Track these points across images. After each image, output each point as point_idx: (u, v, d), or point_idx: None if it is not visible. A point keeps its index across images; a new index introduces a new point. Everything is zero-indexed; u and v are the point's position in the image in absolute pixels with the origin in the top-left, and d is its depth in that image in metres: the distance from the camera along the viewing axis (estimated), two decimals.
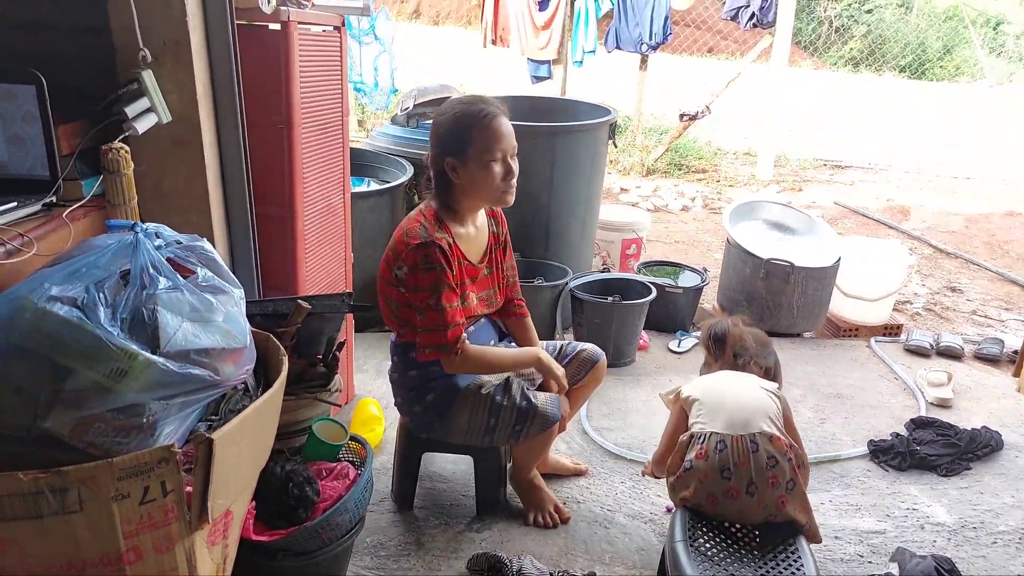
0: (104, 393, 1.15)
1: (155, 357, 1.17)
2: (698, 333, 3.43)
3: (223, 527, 1.33)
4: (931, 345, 3.35)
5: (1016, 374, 1.94)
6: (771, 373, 1.90)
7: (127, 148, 1.47)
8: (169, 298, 1.21)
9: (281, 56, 1.96)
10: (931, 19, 15.65)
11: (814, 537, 1.66)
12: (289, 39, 1.95)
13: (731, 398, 1.73)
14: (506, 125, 1.79)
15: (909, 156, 8.39)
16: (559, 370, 1.95)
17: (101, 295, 1.14)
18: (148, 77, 1.56)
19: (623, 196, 6.29)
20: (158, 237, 1.29)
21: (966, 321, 3.94)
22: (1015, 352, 3.26)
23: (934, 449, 2.48)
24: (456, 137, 1.77)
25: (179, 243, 1.32)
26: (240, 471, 1.34)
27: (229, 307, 1.30)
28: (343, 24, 2.26)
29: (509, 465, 2.09)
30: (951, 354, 3.32)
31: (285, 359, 1.49)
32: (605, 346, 3.01)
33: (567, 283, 3.19)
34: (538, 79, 7.14)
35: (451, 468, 2.27)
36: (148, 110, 1.57)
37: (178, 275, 1.25)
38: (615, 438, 2.52)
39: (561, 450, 2.42)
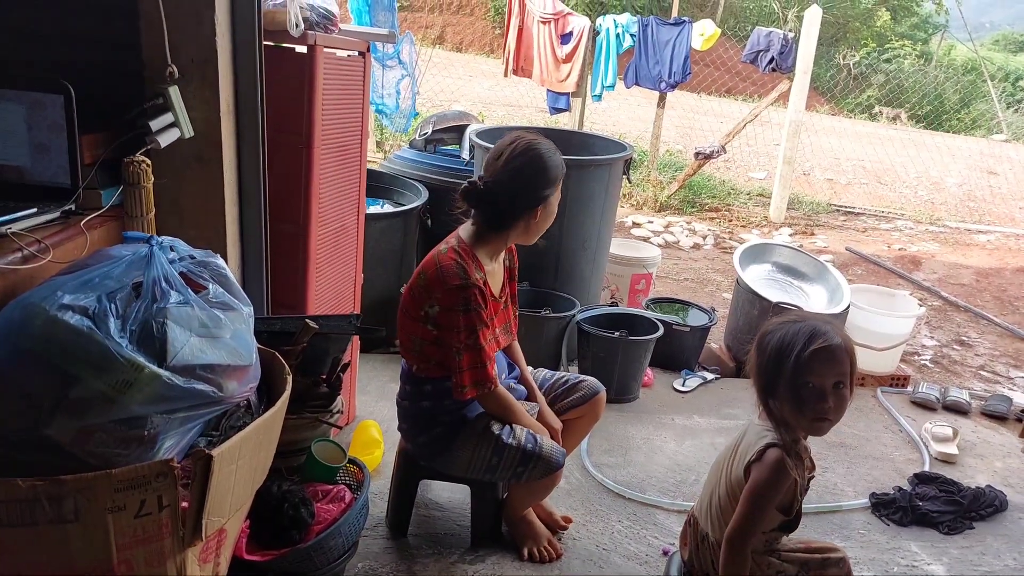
0: (108, 404, 1.16)
1: (161, 371, 1.17)
2: (703, 373, 3.41)
3: (216, 545, 1.32)
4: (937, 399, 3.32)
5: (1023, 435, 1.91)
6: None
7: (148, 161, 1.50)
8: (179, 312, 1.22)
9: (306, 79, 1.99)
10: (949, 71, 15.77)
11: None
12: (315, 62, 1.99)
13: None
14: None
15: (923, 206, 8.39)
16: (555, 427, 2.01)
17: (112, 306, 1.15)
18: (174, 93, 1.60)
19: (635, 230, 6.31)
20: (172, 251, 1.31)
21: (974, 376, 3.90)
22: (1023, 411, 3.22)
23: (936, 506, 2.45)
24: (548, 184, 1.83)
25: (193, 258, 1.33)
26: (237, 489, 1.33)
27: (237, 324, 1.31)
28: (368, 50, 2.30)
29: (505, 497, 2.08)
30: (958, 409, 3.29)
31: (289, 378, 1.50)
32: (609, 381, 3.01)
33: (574, 315, 3.19)
34: (557, 110, 7.23)
35: (448, 496, 2.25)
36: (172, 125, 1.60)
37: (190, 290, 1.26)
38: (615, 475, 2.50)
39: (560, 486, 2.38)
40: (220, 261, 1.36)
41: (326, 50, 2.05)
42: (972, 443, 3.01)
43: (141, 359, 1.15)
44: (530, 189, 1.81)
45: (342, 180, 2.25)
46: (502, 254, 1.97)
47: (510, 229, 1.86)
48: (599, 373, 2.99)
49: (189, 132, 1.68)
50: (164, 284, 1.23)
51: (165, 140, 1.58)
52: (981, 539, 2.37)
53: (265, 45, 1.86)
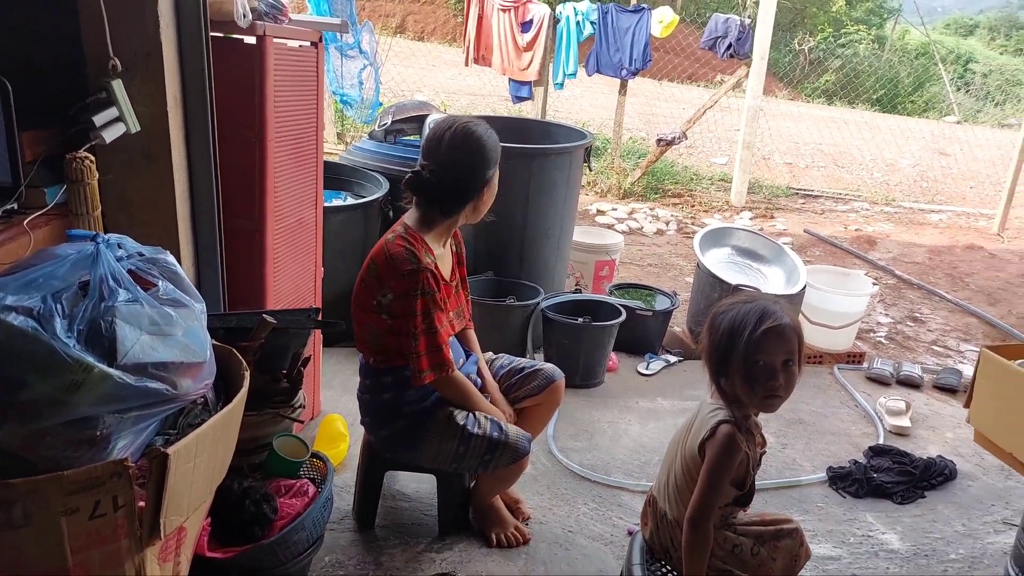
0: (58, 406, 1.14)
1: (111, 370, 1.16)
2: (667, 356, 3.47)
3: (176, 544, 1.31)
4: (891, 374, 3.42)
5: (966, 405, 2.00)
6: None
7: (92, 157, 1.47)
8: (128, 310, 1.20)
9: (256, 70, 1.96)
10: (903, 55, 16.12)
11: None
12: (264, 54, 1.96)
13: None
14: None
15: (878, 188, 8.60)
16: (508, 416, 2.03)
17: (58, 306, 1.13)
18: (118, 87, 1.56)
19: (599, 218, 6.35)
20: (120, 248, 1.28)
21: (926, 351, 4.03)
22: None
23: (890, 477, 2.53)
24: (490, 166, 1.85)
25: (141, 255, 1.31)
26: (195, 487, 1.32)
27: (189, 321, 1.29)
28: (320, 40, 2.27)
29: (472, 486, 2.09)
30: (910, 383, 3.40)
31: (247, 374, 1.48)
32: (574, 366, 3.06)
33: (539, 303, 3.22)
34: (519, 99, 7.22)
35: (414, 487, 2.26)
36: (116, 120, 1.57)
37: (139, 288, 1.25)
38: (580, 459, 2.53)
39: (527, 471, 2.41)
40: (170, 258, 1.34)
41: (276, 41, 2.02)
42: (924, 415, 3.12)
43: (90, 359, 1.13)
44: (474, 173, 1.83)
45: (298, 173, 2.23)
46: (448, 239, 1.98)
47: (457, 213, 1.87)
48: (564, 359, 3.03)
49: (135, 127, 1.65)
50: (112, 282, 1.21)
51: (110, 135, 1.55)
52: (932, 507, 2.46)
53: (212, 37, 1.83)
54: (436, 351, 1.78)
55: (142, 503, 1.19)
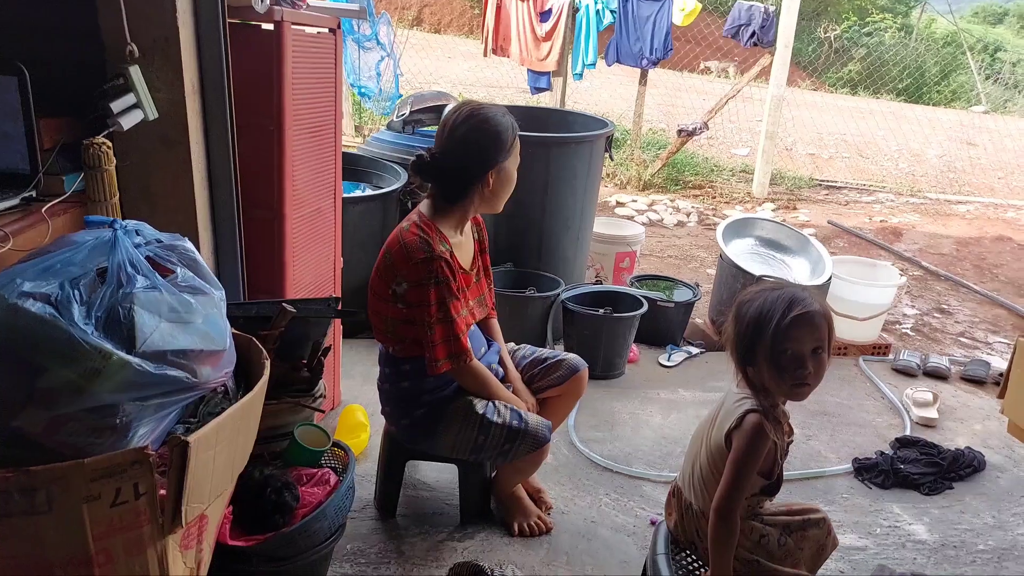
0: (77, 392, 1.13)
1: (130, 357, 1.15)
2: (688, 348, 3.42)
3: (197, 531, 1.31)
4: (918, 365, 3.35)
5: (1000, 396, 1.94)
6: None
7: (109, 144, 1.46)
8: (147, 297, 1.19)
9: (274, 57, 1.95)
10: (930, 44, 15.80)
11: None
12: (282, 40, 1.95)
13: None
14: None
15: (903, 179, 8.44)
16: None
17: (76, 292, 1.12)
18: (135, 73, 1.56)
19: (619, 209, 6.30)
20: (138, 235, 1.27)
21: (953, 343, 3.95)
22: (1000, 374, 3.26)
23: (917, 468, 2.48)
24: (499, 149, 1.80)
25: (160, 242, 1.30)
26: (217, 475, 1.32)
27: (209, 309, 1.28)
28: (339, 26, 2.26)
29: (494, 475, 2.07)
30: (938, 375, 3.32)
31: (267, 363, 1.48)
32: (595, 358, 3.03)
33: (559, 294, 3.19)
34: (538, 90, 7.17)
35: (435, 476, 2.25)
36: (134, 106, 1.56)
37: (157, 274, 1.24)
38: (601, 450, 2.50)
39: (548, 461, 2.37)
40: (188, 244, 1.33)
41: (294, 27, 2.00)
42: (952, 407, 3.05)
43: (109, 346, 1.12)
44: (478, 156, 1.79)
45: (316, 162, 2.22)
46: (468, 226, 1.95)
47: (466, 199, 1.83)
48: (584, 351, 3.00)
49: (153, 114, 1.64)
50: (130, 268, 1.20)
51: (128, 122, 1.55)
52: (960, 498, 2.40)
53: (230, 23, 1.82)
54: (452, 340, 1.76)
55: (163, 491, 1.19)
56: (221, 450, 1.30)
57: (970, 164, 9.16)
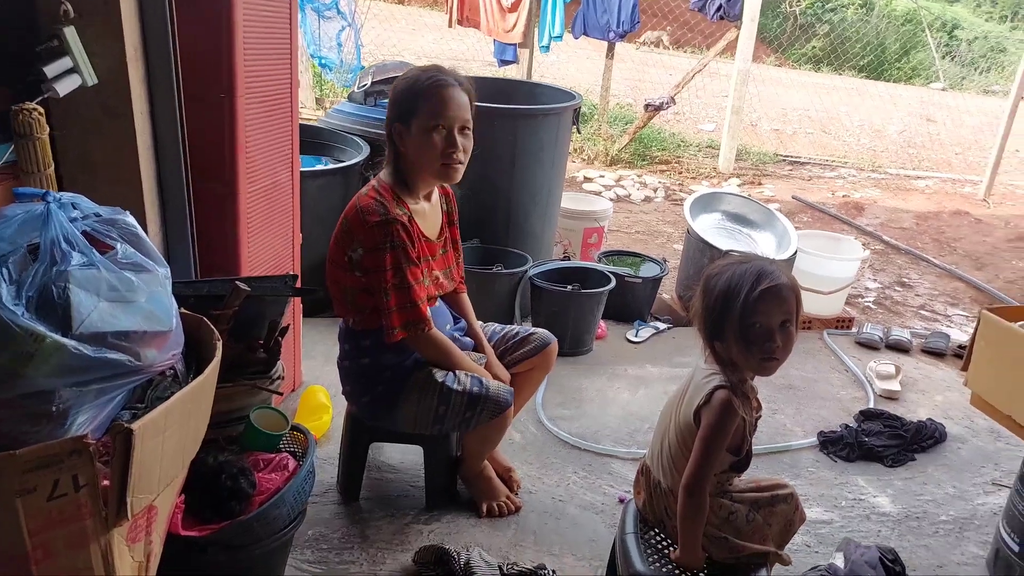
0: (8, 378, 1.05)
1: (66, 340, 1.07)
2: (656, 323, 3.41)
3: (146, 523, 1.24)
4: (881, 338, 3.40)
5: (964, 368, 1.95)
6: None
7: (41, 110, 1.36)
8: (83, 276, 1.11)
9: (223, 22, 1.84)
10: (890, 21, 15.97)
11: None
12: (232, 4, 1.84)
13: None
14: (457, 96, 1.74)
15: (865, 154, 8.54)
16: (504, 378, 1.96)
17: (4, 270, 1.04)
18: (71, 34, 1.45)
19: (586, 185, 6.26)
20: (74, 208, 1.19)
21: (914, 315, 4.01)
22: (960, 346, 3.32)
23: (881, 440, 2.51)
24: (405, 102, 1.73)
25: (98, 216, 1.22)
26: (165, 463, 1.25)
27: (153, 287, 1.20)
28: None
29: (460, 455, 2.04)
30: (900, 347, 3.38)
31: (219, 344, 1.40)
32: (563, 334, 2.99)
33: (526, 271, 3.14)
34: (504, 62, 7.04)
35: (400, 458, 2.20)
36: (71, 71, 1.45)
37: (95, 251, 1.15)
38: (569, 427, 2.48)
39: (515, 440, 2.37)
40: (130, 219, 1.25)
41: None
42: (914, 379, 3.10)
43: (41, 328, 1.04)
44: (391, 115, 1.76)
45: (272, 133, 2.12)
46: (435, 195, 1.89)
47: (398, 160, 1.79)
48: (552, 327, 2.94)
49: (92, 79, 1.53)
50: (64, 245, 1.11)
51: (64, 88, 1.44)
52: (923, 469, 2.44)
53: None
54: (409, 307, 1.71)
55: (107, 481, 1.12)
56: (170, 436, 1.23)
57: (929, 140, 9.30)
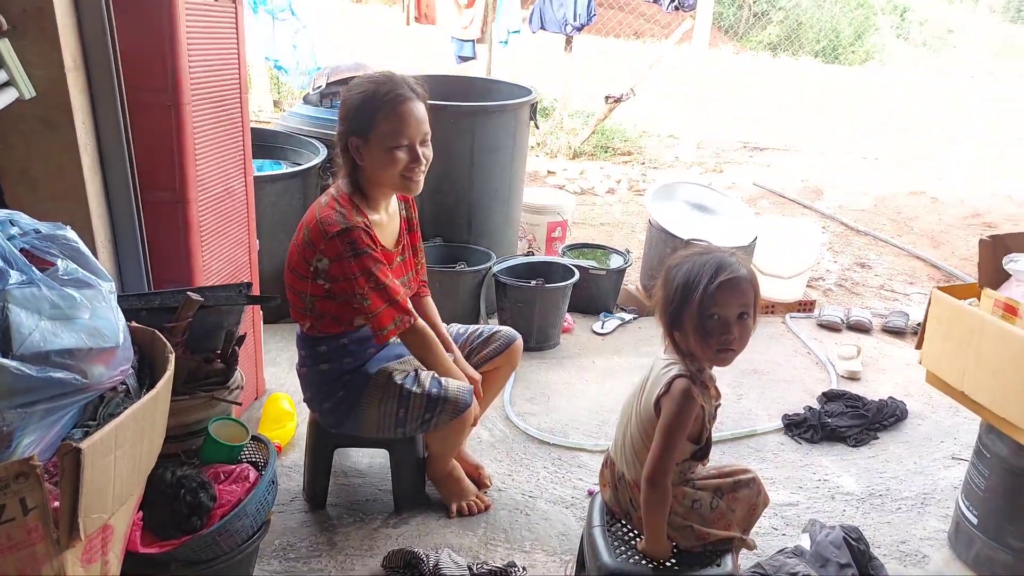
0: None
1: (7, 361, 1.04)
2: (621, 315, 3.44)
3: (101, 543, 1.22)
4: (842, 320, 3.47)
5: (918, 347, 2.00)
6: None
7: None
8: (23, 294, 1.08)
9: (165, 28, 1.80)
10: (843, 6, 16.23)
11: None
12: (174, 9, 1.80)
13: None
14: (417, 111, 1.72)
15: (823, 138, 8.69)
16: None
17: None
18: (5, 47, 1.40)
19: (550, 179, 6.27)
20: (12, 225, 1.15)
21: (874, 295, 4.10)
22: (919, 324, 3.40)
23: (844, 421, 2.56)
24: (362, 117, 1.70)
25: (38, 232, 1.18)
26: (120, 481, 1.22)
27: (97, 302, 1.17)
28: None
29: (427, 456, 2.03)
30: (860, 328, 3.45)
31: (171, 357, 1.38)
32: (529, 329, 3.00)
33: (490, 267, 3.14)
34: (463, 59, 7.02)
35: (367, 462, 2.18)
36: (6, 84, 1.41)
37: (34, 268, 1.12)
38: (538, 423, 2.49)
39: (483, 438, 2.37)
40: (71, 234, 1.22)
41: None
42: (875, 359, 3.17)
43: None
44: (345, 128, 1.72)
45: (222, 139, 2.08)
46: (393, 204, 1.88)
47: (355, 172, 1.76)
48: (518, 323, 2.97)
49: (29, 92, 1.49)
50: (1, 264, 1.08)
51: (0, 102, 1.40)
52: (885, 448, 2.50)
53: None
54: (393, 305, 1.71)
55: (58, 503, 1.09)
56: (123, 454, 1.21)
57: (884, 122, 9.50)
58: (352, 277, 1.68)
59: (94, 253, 1.48)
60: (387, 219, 1.86)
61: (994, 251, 1.91)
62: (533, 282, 3.04)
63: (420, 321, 1.80)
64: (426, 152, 1.76)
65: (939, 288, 1.95)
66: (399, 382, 1.79)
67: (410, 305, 1.78)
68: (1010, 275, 1.84)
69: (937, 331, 1.93)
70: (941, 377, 1.93)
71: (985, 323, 1.75)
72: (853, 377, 2.97)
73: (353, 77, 3.67)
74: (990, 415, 1.78)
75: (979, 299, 1.86)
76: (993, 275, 1.91)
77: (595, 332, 3.29)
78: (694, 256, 1.49)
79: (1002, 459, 1.81)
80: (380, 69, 1.84)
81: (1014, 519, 1.81)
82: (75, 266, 1.18)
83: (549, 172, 6.46)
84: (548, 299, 3.04)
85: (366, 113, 1.68)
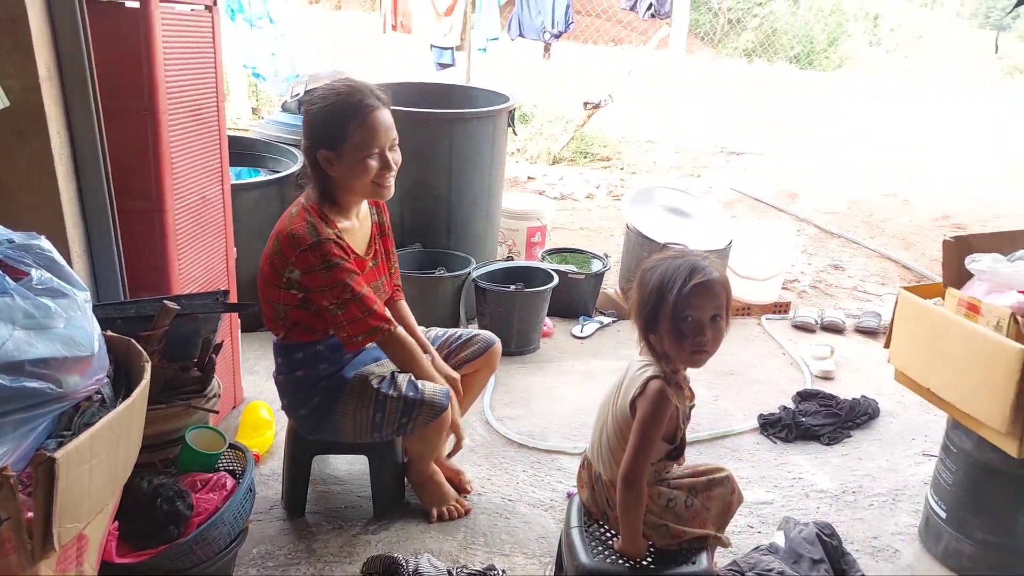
0: None
1: None
2: (600, 318, 3.47)
3: (76, 553, 1.21)
4: (816, 321, 3.53)
5: (886, 345, 2.05)
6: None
7: None
8: None
9: (141, 37, 1.81)
10: (818, 13, 16.49)
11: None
12: (149, 18, 1.81)
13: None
14: (385, 118, 1.73)
15: (799, 142, 8.82)
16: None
17: None
18: None
19: (530, 184, 6.30)
20: None
21: (848, 296, 4.17)
22: None
23: (818, 420, 2.61)
24: (330, 130, 1.70)
25: (11, 242, 1.18)
26: (95, 490, 1.22)
27: (71, 311, 1.18)
28: (215, 3, 2.12)
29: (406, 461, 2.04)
30: (834, 328, 3.51)
31: (147, 365, 1.38)
32: (509, 334, 3.02)
33: (469, 273, 3.16)
34: (442, 66, 7.03)
35: (347, 469, 2.19)
36: None
37: (7, 278, 1.12)
38: (517, 426, 2.51)
39: (463, 442, 2.38)
40: (45, 243, 1.22)
41: (163, 4, 1.86)
42: (848, 358, 3.22)
43: None
44: (313, 142, 1.72)
45: (199, 147, 2.09)
46: (365, 209, 1.90)
47: (325, 183, 1.76)
48: (498, 328, 2.98)
49: (3, 103, 1.49)
50: None
51: None
52: (858, 445, 2.55)
53: (90, 1, 1.68)
54: (368, 315, 1.72)
55: (32, 513, 1.09)
56: (98, 463, 1.21)
57: (858, 126, 9.66)
58: (324, 288, 1.69)
59: (69, 262, 1.48)
60: (358, 225, 1.87)
61: (958, 252, 1.97)
62: (512, 287, 3.06)
63: (399, 329, 1.81)
64: (395, 157, 1.78)
65: (905, 288, 2.00)
66: (375, 386, 1.80)
67: (388, 313, 1.79)
68: (973, 275, 1.89)
69: (904, 330, 1.98)
70: (909, 375, 1.97)
71: (949, 322, 1.81)
72: (827, 377, 3.02)
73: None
74: (955, 411, 1.83)
75: (944, 298, 1.92)
76: (957, 275, 1.96)
77: (574, 336, 3.32)
78: (668, 259, 1.52)
79: (967, 454, 1.86)
80: (339, 78, 1.83)
81: (979, 512, 1.86)
82: (49, 275, 1.18)
83: (529, 178, 6.50)
84: (527, 304, 3.06)
85: (336, 126, 1.69)
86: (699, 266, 1.47)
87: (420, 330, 2.06)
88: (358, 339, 1.73)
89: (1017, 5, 2.42)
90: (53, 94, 1.63)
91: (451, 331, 2.13)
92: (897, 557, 1.99)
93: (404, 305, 2.05)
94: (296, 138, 3.44)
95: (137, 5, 1.81)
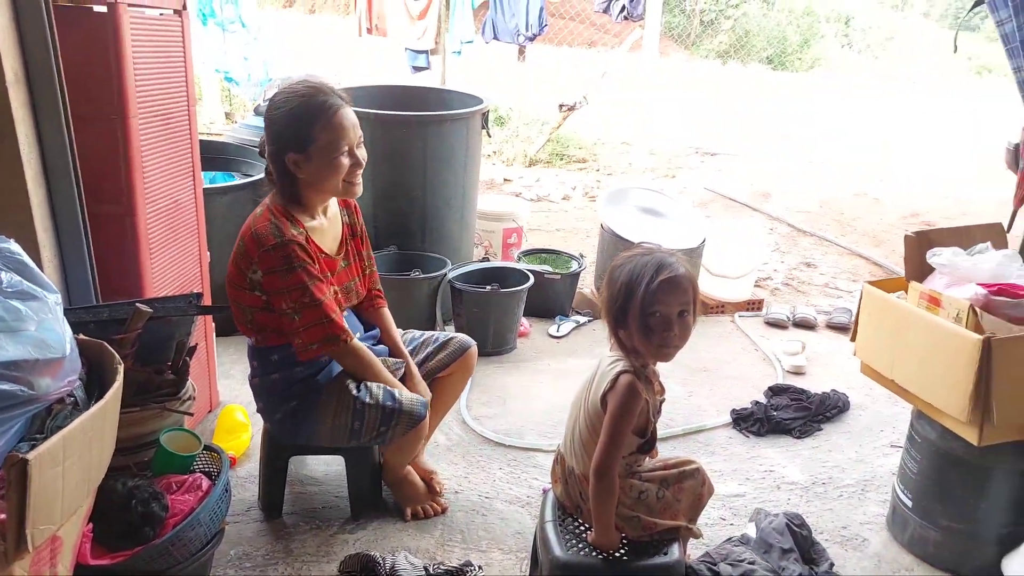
0: None
1: None
2: (576, 318, 3.51)
3: (50, 555, 1.21)
4: (788, 317, 3.59)
5: (852, 339, 2.10)
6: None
7: None
8: None
9: (110, 41, 1.81)
10: (790, 14, 16.74)
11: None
12: (118, 22, 1.80)
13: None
14: (350, 115, 1.74)
15: (772, 143, 8.95)
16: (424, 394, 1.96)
17: None
18: None
19: (506, 186, 6.33)
20: None
21: (819, 293, 4.25)
22: None
23: (789, 414, 2.66)
24: (297, 132, 1.69)
25: None
26: (68, 492, 1.22)
27: (42, 314, 1.18)
28: (184, 7, 2.12)
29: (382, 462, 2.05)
30: (806, 324, 3.58)
31: (120, 368, 1.38)
32: (485, 334, 3.05)
33: (445, 274, 3.17)
34: (417, 69, 7.04)
35: (324, 469, 2.20)
36: None
37: None
38: (494, 425, 2.53)
39: (440, 442, 2.40)
40: (14, 246, 1.22)
41: (132, 8, 1.86)
42: (819, 354, 3.29)
43: None
44: (279, 146, 1.72)
45: (170, 151, 2.08)
46: (334, 209, 1.89)
47: (292, 186, 1.75)
48: (475, 329, 3.01)
49: None
50: None
51: None
52: (828, 438, 2.60)
53: (57, 5, 1.68)
54: (326, 322, 1.71)
55: (3, 515, 1.09)
56: (72, 465, 1.21)
57: (830, 126, 9.83)
58: (284, 291, 1.68)
59: (39, 266, 1.48)
60: (327, 223, 1.86)
61: (919, 246, 2.03)
62: (488, 287, 3.08)
63: (354, 341, 1.78)
64: (362, 154, 1.79)
65: (870, 283, 2.05)
66: (354, 394, 1.79)
67: (345, 324, 1.76)
68: (934, 268, 1.95)
69: (869, 323, 2.03)
70: (874, 367, 2.03)
71: (912, 314, 1.86)
72: (798, 372, 3.08)
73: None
74: (919, 402, 1.89)
75: (907, 292, 1.97)
76: (919, 269, 2.01)
77: (551, 335, 3.35)
78: (636, 257, 1.55)
79: (931, 443, 1.92)
80: (298, 80, 1.81)
81: (943, 499, 1.91)
82: (19, 278, 1.18)
83: (505, 180, 6.53)
84: (503, 304, 3.09)
85: (302, 128, 1.69)
86: (666, 263, 1.51)
87: (397, 332, 2.07)
88: (312, 347, 1.71)
89: (975, 6, 2.50)
90: (20, 98, 1.63)
91: (427, 334, 2.14)
92: (865, 546, 2.04)
93: (386, 312, 2.04)
94: None
95: (105, 9, 1.81)
